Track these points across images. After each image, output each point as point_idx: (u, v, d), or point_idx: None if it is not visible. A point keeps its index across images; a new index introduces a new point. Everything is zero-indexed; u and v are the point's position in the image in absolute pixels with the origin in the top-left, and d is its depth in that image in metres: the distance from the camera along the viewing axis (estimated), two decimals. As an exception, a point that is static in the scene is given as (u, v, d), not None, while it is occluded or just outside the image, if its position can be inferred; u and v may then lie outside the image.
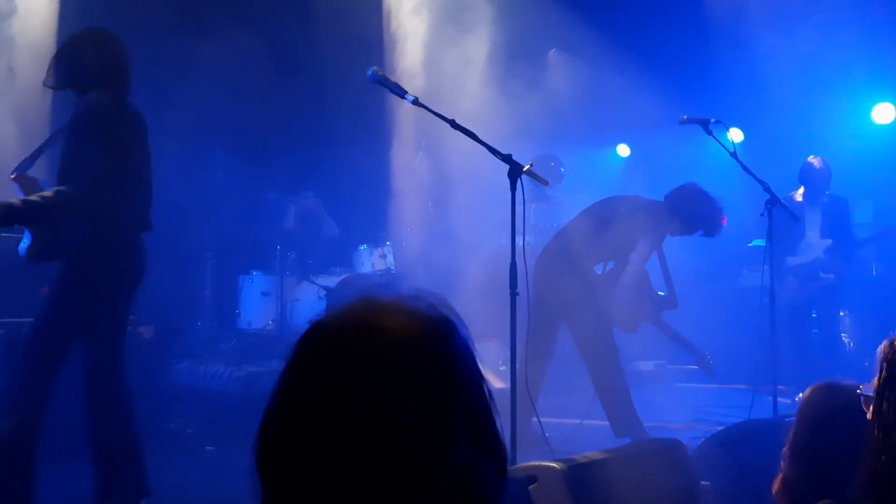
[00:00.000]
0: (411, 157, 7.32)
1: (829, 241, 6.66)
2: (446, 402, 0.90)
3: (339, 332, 0.92)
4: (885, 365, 1.46)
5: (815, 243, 6.68)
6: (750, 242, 7.82)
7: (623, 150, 9.77)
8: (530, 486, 2.87)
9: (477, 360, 0.97)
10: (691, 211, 4.91)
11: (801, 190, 6.80)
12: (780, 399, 4.52)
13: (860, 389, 1.51)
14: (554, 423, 4.92)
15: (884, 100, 7.88)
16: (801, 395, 2.12)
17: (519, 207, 3.39)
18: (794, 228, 6.33)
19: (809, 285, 6.65)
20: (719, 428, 4.50)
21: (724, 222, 4.99)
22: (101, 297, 3.38)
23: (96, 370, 3.44)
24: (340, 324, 0.93)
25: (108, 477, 3.46)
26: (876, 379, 1.48)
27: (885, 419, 1.42)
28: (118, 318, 3.50)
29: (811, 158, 6.77)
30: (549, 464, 3.00)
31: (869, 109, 7.96)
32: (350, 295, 0.96)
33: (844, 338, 7.29)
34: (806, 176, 6.75)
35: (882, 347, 1.50)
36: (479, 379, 0.96)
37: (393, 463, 0.86)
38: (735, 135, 7.57)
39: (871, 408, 1.47)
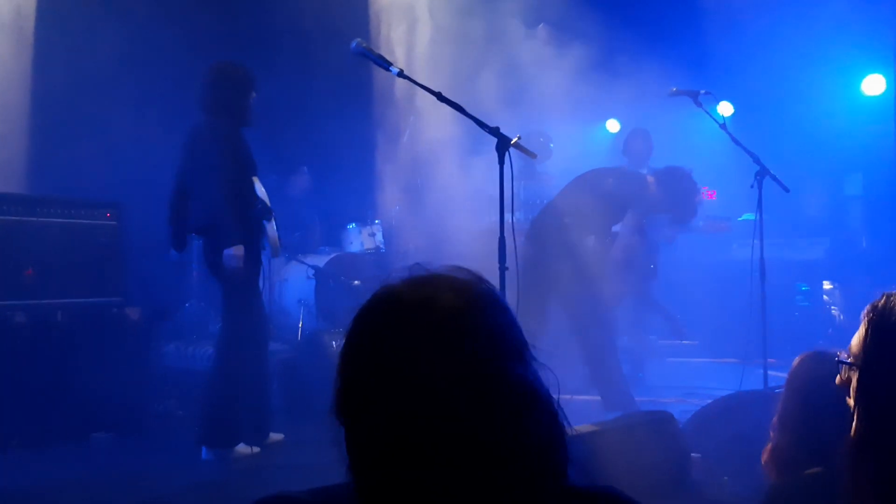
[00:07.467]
0: (399, 134, 7.25)
1: None
2: (498, 365, 0.95)
3: (398, 308, 0.98)
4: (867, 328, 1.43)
5: None
6: (740, 217, 7.80)
7: (612, 126, 9.72)
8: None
9: (521, 329, 1.02)
10: (676, 188, 4.89)
11: None
12: (770, 372, 4.52)
13: (838, 356, 1.48)
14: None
15: (874, 71, 7.86)
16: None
17: (507, 182, 3.35)
18: None
19: None
20: (709, 401, 4.51)
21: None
22: None
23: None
24: (399, 300, 0.98)
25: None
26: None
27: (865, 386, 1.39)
28: None
29: None
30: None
31: (859, 81, 7.94)
32: (401, 269, 1.03)
33: (834, 311, 7.30)
34: None
35: (865, 312, 1.47)
36: (525, 348, 1.01)
37: (458, 430, 0.91)
38: (725, 108, 7.56)
39: (846, 375, 1.44)
